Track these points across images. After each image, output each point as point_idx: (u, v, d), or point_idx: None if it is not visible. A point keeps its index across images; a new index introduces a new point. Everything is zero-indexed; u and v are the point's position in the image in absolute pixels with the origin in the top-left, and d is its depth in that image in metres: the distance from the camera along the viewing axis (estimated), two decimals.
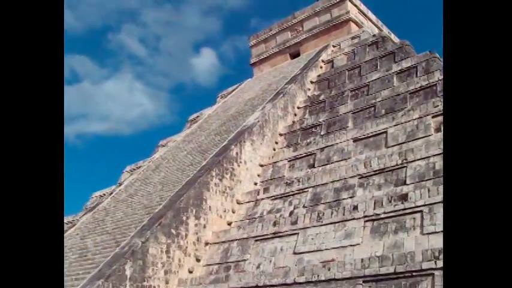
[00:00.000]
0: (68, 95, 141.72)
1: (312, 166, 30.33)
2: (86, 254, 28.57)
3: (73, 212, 42.47)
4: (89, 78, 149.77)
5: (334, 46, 46.86)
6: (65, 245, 32.01)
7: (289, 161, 32.79)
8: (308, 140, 33.19)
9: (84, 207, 41.13)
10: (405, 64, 33.52)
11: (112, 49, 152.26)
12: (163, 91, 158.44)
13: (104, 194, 40.34)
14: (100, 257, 26.63)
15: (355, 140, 29.36)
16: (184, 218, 28.15)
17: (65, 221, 39.13)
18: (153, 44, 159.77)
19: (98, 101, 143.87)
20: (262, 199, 29.72)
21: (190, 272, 26.86)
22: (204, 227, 29.14)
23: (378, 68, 36.23)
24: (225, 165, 32.60)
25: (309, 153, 31.65)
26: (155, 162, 41.12)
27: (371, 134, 28.62)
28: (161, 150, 43.98)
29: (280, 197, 28.53)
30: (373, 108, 31.58)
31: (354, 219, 21.58)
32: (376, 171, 24.36)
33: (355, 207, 22.05)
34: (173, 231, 27.15)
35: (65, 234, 33.70)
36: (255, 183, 33.94)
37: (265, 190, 30.41)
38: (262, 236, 25.04)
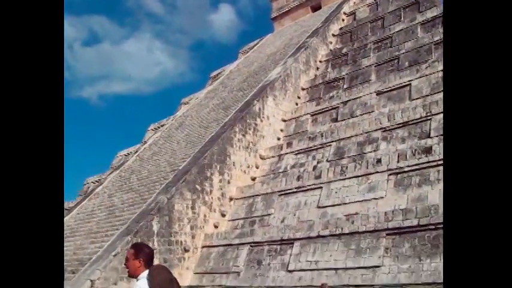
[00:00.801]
0: (88, 56, 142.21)
1: (335, 120, 30.18)
2: (114, 211, 29.25)
3: (99, 171, 43.24)
4: (108, 39, 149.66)
5: None
6: (94, 202, 32.84)
7: (312, 116, 32.65)
8: (331, 94, 32.92)
9: (110, 167, 41.80)
10: (430, 14, 32.62)
11: (130, 8, 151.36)
12: (183, 49, 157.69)
13: (129, 153, 40.86)
14: (127, 213, 27.25)
15: (379, 93, 29.01)
16: (208, 174, 28.50)
17: (92, 180, 39.97)
18: (171, 1, 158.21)
19: (118, 61, 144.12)
20: (286, 154, 29.81)
21: (216, 227, 27.37)
22: (228, 182, 29.48)
23: (402, 19, 35.35)
24: (248, 120, 32.66)
25: (331, 107, 31.45)
26: (178, 120, 41.37)
27: (394, 87, 28.22)
28: (184, 107, 44.14)
29: (304, 152, 28.57)
30: (396, 61, 31.01)
31: (377, 172, 21.56)
32: (399, 124, 24.13)
33: (379, 161, 21.99)
34: (198, 187, 27.56)
35: (93, 192, 34.52)
36: (278, 138, 34.00)
37: (289, 145, 30.46)
38: (286, 190, 25.25)
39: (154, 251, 24.57)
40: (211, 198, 28.08)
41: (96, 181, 38.41)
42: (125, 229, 24.44)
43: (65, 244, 28.43)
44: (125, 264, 4.46)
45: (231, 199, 28.93)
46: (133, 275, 4.46)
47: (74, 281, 21.29)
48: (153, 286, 4.11)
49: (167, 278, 4.24)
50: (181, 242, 25.50)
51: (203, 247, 26.00)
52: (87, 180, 41.08)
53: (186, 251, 25.44)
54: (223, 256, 24.01)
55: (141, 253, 4.40)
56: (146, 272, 4.28)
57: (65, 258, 26.06)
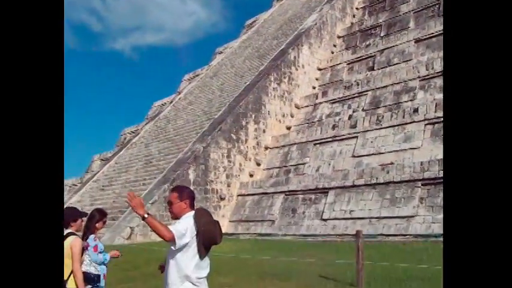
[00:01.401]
0: (121, 7, 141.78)
1: (372, 69, 29.62)
2: (151, 161, 29.83)
3: (135, 122, 43.83)
4: None
5: None
6: (131, 152, 33.51)
7: (348, 64, 32.12)
8: (367, 42, 32.17)
9: (146, 117, 42.32)
10: None
11: None
12: None
13: (164, 104, 41.22)
14: (164, 163, 27.76)
15: (417, 40, 28.20)
16: (243, 123, 28.62)
17: (129, 130, 40.59)
18: None
19: (151, 11, 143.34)
20: (321, 103, 29.57)
21: (251, 175, 27.69)
22: (264, 131, 29.57)
23: None
24: (283, 69, 32.40)
25: (368, 55, 30.81)
26: (213, 69, 41.30)
27: (434, 34, 27.34)
28: (218, 57, 43.93)
29: (339, 101, 28.27)
30: (437, 7, 29.91)
31: (413, 122, 21.22)
32: (438, 73, 23.49)
33: (416, 110, 21.60)
34: (233, 136, 27.75)
35: (130, 143, 35.16)
36: (313, 87, 33.70)
37: (324, 94, 30.17)
38: (321, 139, 25.17)
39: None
40: (247, 147, 28.29)
41: (133, 132, 39.04)
42: (162, 178, 24.95)
43: (104, 192, 29.34)
44: (169, 209, 4.55)
45: (266, 148, 29.09)
46: (177, 217, 4.55)
47: (114, 227, 22.01)
48: (198, 226, 4.21)
49: (210, 220, 4.34)
50: (217, 190, 25.94)
51: (238, 195, 26.40)
52: (123, 131, 41.79)
53: (222, 199, 25.90)
54: (258, 204, 24.34)
55: (185, 194, 4.47)
56: (191, 212, 4.37)
57: (104, 206, 26.92)
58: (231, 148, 27.30)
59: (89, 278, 6.41)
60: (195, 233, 4.25)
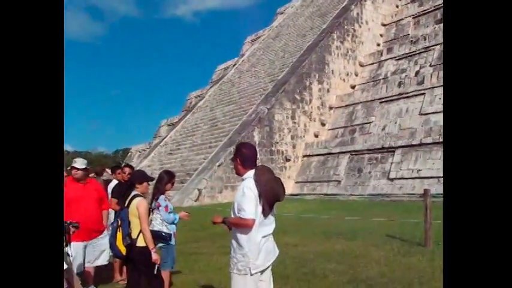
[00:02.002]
0: None
1: (439, 21, 28.30)
2: (216, 124, 30.22)
3: (200, 86, 44.31)
4: None
5: None
6: (196, 116, 34.07)
7: (413, 18, 30.87)
8: None
9: (210, 81, 42.68)
10: None
11: None
12: None
13: (228, 67, 41.35)
14: (229, 125, 28.05)
15: None
16: (307, 83, 28.32)
17: (194, 95, 41.13)
18: None
19: None
20: (386, 60, 28.72)
21: (316, 136, 27.52)
22: (328, 91, 29.17)
23: None
24: (345, 27, 31.61)
25: (435, 7, 29.43)
26: (275, 30, 40.89)
27: None
28: (280, 17, 43.37)
29: (405, 57, 27.34)
30: None
31: None
32: None
33: None
34: (297, 96, 27.56)
35: (195, 107, 35.70)
36: (378, 44, 32.74)
37: (389, 50, 29.26)
38: (387, 97, 24.55)
39: (257, 161, 25.37)
40: (311, 107, 28.06)
41: (198, 96, 39.54)
42: (228, 140, 25.25)
43: (172, 157, 30.11)
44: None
45: (330, 108, 28.75)
46: (237, 174, 4.65)
47: (182, 190, 22.62)
48: (259, 185, 4.24)
49: (271, 178, 4.36)
50: (282, 151, 26.02)
51: (304, 156, 26.38)
52: (189, 96, 42.38)
53: (287, 160, 25.98)
54: (324, 165, 24.24)
55: (238, 153, 4.53)
56: (251, 171, 4.40)
57: (172, 169, 27.68)
58: (295, 109, 27.18)
59: (160, 236, 6.64)
60: (257, 193, 4.26)
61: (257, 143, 24.96)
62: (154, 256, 5.46)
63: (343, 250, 9.48)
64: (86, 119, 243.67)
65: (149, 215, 5.74)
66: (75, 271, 5.74)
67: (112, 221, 5.52)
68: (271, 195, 4.30)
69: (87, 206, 6.78)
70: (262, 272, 4.37)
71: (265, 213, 4.30)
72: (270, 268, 4.52)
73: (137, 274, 5.58)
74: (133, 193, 5.60)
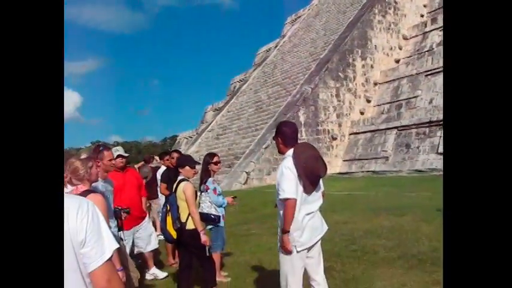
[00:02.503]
0: None
1: None
2: (261, 106, 30.31)
3: (243, 70, 44.38)
4: None
5: None
6: (241, 100, 34.24)
7: None
8: None
9: (253, 64, 42.70)
10: None
11: None
12: None
13: (270, 49, 41.23)
14: (274, 107, 28.09)
15: None
16: (350, 60, 27.97)
17: (238, 79, 41.25)
18: None
19: None
20: (431, 31, 27.96)
21: (362, 113, 27.22)
22: (371, 67, 28.74)
23: None
24: (386, 0, 30.97)
25: None
26: (315, 8, 40.43)
27: None
28: None
29: None
30: None
31: None
32: None
33: None
34: (341, 74, 27.30)
35: (240, 91, 35.86)
36: (421, 15, 31.90)
37: (433, 21, 28.46)
38: (433, 70, 23.96)
39: (303, 141, 25.31)
40: (355, 84, 27.74)
41: (242, 80, 39.67)
42: (273, 122, 25.29)
43: (219, 141, 30.45)
44: None
45: (375, 84, 28.33)
46: (279, 152, 4.68)
47: (231, 174, 22.89)
48: (298, 163, 4.26)
49: (312, 155, 4.35)
50: (328, 130, 25.90)
51: (350, 134, 26.18)
52: (233, 80, 42.57)
53: (334, 139, 25.85)
54: (371, 142, 23.99)
55: (279, 132, 4.55)
56: (290, 150, 4.43)
57: (220, 153, 27.99)
58: (339, 87, 26.94)
59: (210, 218, 6.80)
60: (296, 172, 4.29)
61: (302, 123, 24.92)
62: (204, 238, 5.61)
63: (393, 226, 9.44)
64: (133, 109, 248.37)
65: (196, 198, 5.86)
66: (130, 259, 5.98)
67: (162, 206, 5.70)
68: (310, 172, 4.32)
69: (130, 193, 7.02)
70: (309, 249, 4.45)
71: (307, 191, 4.34)
72: (318, 245, 4.57)
73: (188, 256, 5.74)
74: (179, 178, 5.74)
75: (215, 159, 7.00)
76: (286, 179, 4.28)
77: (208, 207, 6.80)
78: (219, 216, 6.93)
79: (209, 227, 6.85)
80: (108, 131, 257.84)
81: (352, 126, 26.21)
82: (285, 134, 4.57)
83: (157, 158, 10.64)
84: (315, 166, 4.36)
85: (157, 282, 7.35)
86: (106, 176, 5.38)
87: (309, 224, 4.38)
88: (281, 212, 4.36)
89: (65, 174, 4.44)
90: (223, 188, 21.01)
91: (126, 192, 6.98)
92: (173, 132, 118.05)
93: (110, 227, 4.67)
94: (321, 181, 4.59)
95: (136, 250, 7.84)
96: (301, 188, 4.30)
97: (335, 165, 25.26)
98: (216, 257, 7.00)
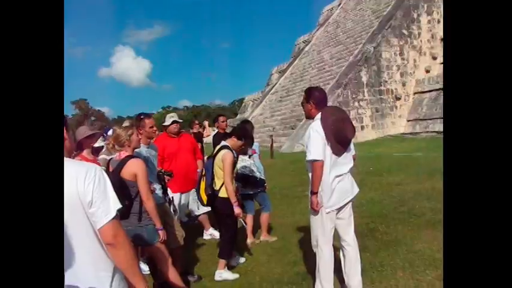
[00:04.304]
0: None
1: None
2: (324, 67, 29.94)
3: (308, 31, 43.74)
4: None
5: None
6: (304, 61, 33.93)
7: None
8: None
9: (317, 24, 41.96)
10: None
11: None
12: None
13: (333, 7, 40.31)
14: (336, 67, 27.67)
15: None
16: (415, 15, 26.89)
17: (302, 39, 40.72)
18: None
19: None
20: None
21: (427, 71, 26.25)
22: (438, 21, 27.46)
23: None
24: None
25: None
26: None
27: None
28: None
29: None
30: None
31: None
32: None
33: None
34: (404, 31, 26.37)
35: (303, 52, 35.52)
36: None
37: None
38: None
39: (365, 101, 24.87)
40: (420, 41, 26.76)
41: (306, 40, 39.17)
42: (335, 83, 25.00)
43: (282, 104, 30.48)
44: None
45: (442, 39, 27.19)
46: (308, 117, 4.69)
47: (292, 136, 22.97)
48: (325, 126, 4.29)
49: (340, 118, 4.36)
50: (391, 90, 25.29)
51: (415, 94, 25.45)
52: (297, 41, 42.05)
53: (398, 99, 25.23)
54: (437, 101, 23.23)
55: (312, 96, 4.55)
56: (319, 114, 4.45)
57: (283, 116, 28.08)
58: (403, 45, 26.10)
59: (256, 182, 6.96)
60: (323, 135, 4.34)
61: (365, 83, 24.48)
62: (237, 210, 5.64)
63: None
64: (201, 73, 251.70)
65: (234, 168, 5.90)
66: (176, 219, 6.22)
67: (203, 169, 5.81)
68: (338, 134, 4.35)
69: (185, 157, 7.25)
70: (339, 210, 4.52)
71: (336, 153, 4.39)
72: (349, 206, 4.63)
73: (222, 226, 5.86)
74: (222, 144, 5.80)
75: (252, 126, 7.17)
76: (314, 141, 4.35)
77: (256, 171, 6.94)
78: (264, 180, 7.08)
79: (255, 191, 7.00)
80: (179, 95, 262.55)
81: (417, 85, 25.45)
82: (317, 98, 4.61)
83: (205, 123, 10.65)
84: (342, 128, 4.40)
85: (212, 242, 7.48)
86: (149, 142, 5.62)
87: (338, 186, 4.44)
88: (310, 174, 4.44)
89: (108, 141, 4.76)
90: (284, 151, 21.27)
91: (181, 157, 7.25)
92: (241, 94, 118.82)
93: (154, 189, 4.99)
94: (352, 144, 4.62)
95: (193, 212, 8.16)
96: (329, 150, 4.36)
97: (399, 125, 24.76)
98: (265, 217, 7.18)
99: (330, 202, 4.42)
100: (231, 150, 5.70)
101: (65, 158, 2.22)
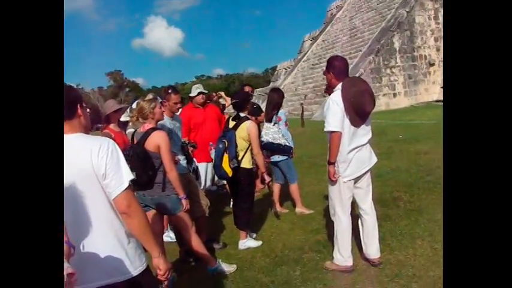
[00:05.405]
0: None
1: None
2: (356, 34, 29.50)
3: None
4: None
5: None
6: (336, 28, 33.42)
7: None
8: None
9: None
10: None
11: None
12: None
13: None
14: (368, 34, 27.24)
15: None
16: None
17: (334, 5, 40.04)
18: None
19: None
20: None
21: None
22: None
23: None
24: None
25: None
26: None
27: None
28: None
29: None
30: None
31: None
32: None
33: None
34: None
35: (335, 18, 34.97)
36: None
37: None
38: None
39: (398, 68, 24.49)
40: None
41: (338, 6, 38.53)
42: (367, 49, 24.68)
43: (314, 71, 30.25)
44: None
45: None
46: (329, 88, 4.67)
47: (323, 104, 22.85)
48: (345, 97, 4.29)
49: (361, 89, 4.33)
50: (425, 56, 24.81)
51: None
52: (330, 7, 41.39)
53: (431, 65, 24.74)
54: None
55: (331, 66, 4.53)
56: (340, 84, 4.44)
57: (314, 84, 27.91)
58: (438, 8, 25.41)
59: (282, 149, 7.00)
60: (342, 106, 4.36)
61: (397, 49, 24.09)
62: (268, 178, 5.77)
63: None
64: (235, 42, 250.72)
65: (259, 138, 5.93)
66: (201, 187, 6.36)
67: (217, 143, 5.75)
68: (357, 107, 4.37)
69: (211, 128, 7.38)
70: (356, 180, 4.59)
71: (356, 124, 4.42)
72: (368, 175, 4.69)
73: (241, 196, 5.86)
74: (242, 115, 5.83)
75: (281, 92, 7.20)
76: (332, 112, 4.39)
77: (280, 139, 6.95)
78: (290, 147, 7.06)
79: (280, 158, 7.05)
80: (212, 64, 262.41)
81: None
82: (336, 68, 4.61)
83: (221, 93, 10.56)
84: (362, 100, 4.40)
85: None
86: (174, 115, 5.73)
87: (355, 156, 4.50)
88: (329, 144, 4.50)
89: (132, 114, 4.91)
90: (315, 119, 21.20)
91: (206, 127, 7.40)
92: (274, 62, 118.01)
93: (178, 160, 5.14)
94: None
95: (220, 181, 8.29)
96: (348, 122, 4.40)
97: (432, 92, 24.37)
98: (295, 187, 7.21)
99: (347, 172, 4.50)
100: (253, 121, 5.78)
101: (81, 134, 2.39)
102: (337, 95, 4.44)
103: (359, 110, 4.40)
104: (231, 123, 5.80)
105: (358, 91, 4.42)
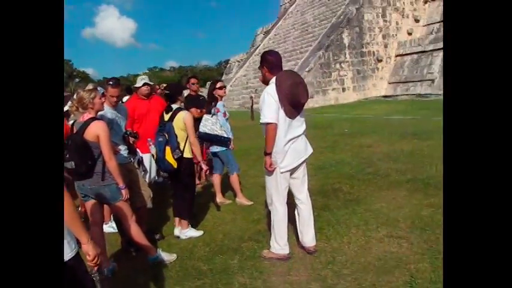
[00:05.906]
0: None
1: None
2: (307, 28, 29.81)
3: None
4: None
5: None
6: (288, 22, 33.66)
7: None
8: None
9: None
10: None
11: None
12: None
13: None
14: (319, 29, 27.59)
15: None
16: None
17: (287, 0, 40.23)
18: None
19: None
20: None
21: (409, 34, 26.32)
22: None
23: None
24: None
25: None
26: None
27: None
28: None
29: None
30: None
31: None
32: None
33: None
34: None
35: (287, 12, 35.19)
36: None
37: None
38: None
39: (347, 63, 24.95)
40: (403, 3, 26.70)
41: (291, 0, 38.82)
42: (317, 44, 25.01)
43: None
44: None
45: (425, 2, 27.10)
46: (264, 82, 4.79)
47: None
48: (280, 90, 4.40)
49: (294, 82, 4.46)
50: (373, 52, 25.37)
51: (396, 56, 25.57)
52: (283, 1, 41.64)
53: (379, 61, 25.35)
54: (417, 64, 23.42)
55: (265, 61, 4.63)
56: (275, 77, 4.55)
57: None
58: (385, 6, 26.05)
59: (220, 140, 7.07)
60: (277, 98, 4.48)
61: (347, 45, 24.52)
62: (205, 167, 5.86)
63: (413, 150, 9.57)
64: (188, 34, 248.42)
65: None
66: (147, 180, 6.37)
67: (157, 136, 5.74)
68: (291, 99, 4.49)
69: (155, 119, 7.30)
70: (293, 170, 4.73)
71: (291, 116, 4.55)
72: (303, 166, 4.83)
73: (182, 186, 5.87)
74: (175, 106, 5.86)
75: (219, 84, 7.21)
76: (267, 104, 4.49)
77: (218, 130, 7.01)
78: (229, 138, 7.14)
79: (218, 149, 7.11)
80: (165, 56, 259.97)
81: (399, 48, 25.56)
82: (269, 62, 4.72)
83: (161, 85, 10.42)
84: (296, 92, 4.51)
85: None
86: (114, 105, 5.68)
87: (291, 147, 4.62)
88: (265, 136, 4.60)
89: (72, 104, 4.88)
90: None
91: (150, 118, 7.34)
92: (228, 56, 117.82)
93: (119, 150, 5.13)
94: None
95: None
96: (283, 114, 4.52)
97: (380, 87, 24.96)
98: (235, 178, 7.30)
99: (284, 162, 4.61)
100: (188, 111, 5.86)
101: None
102: (271, 88, 4.54)
103: (294, 101, 4.51)
104: (166, 116, 5.79)
105: (292, 83, 4.53)
